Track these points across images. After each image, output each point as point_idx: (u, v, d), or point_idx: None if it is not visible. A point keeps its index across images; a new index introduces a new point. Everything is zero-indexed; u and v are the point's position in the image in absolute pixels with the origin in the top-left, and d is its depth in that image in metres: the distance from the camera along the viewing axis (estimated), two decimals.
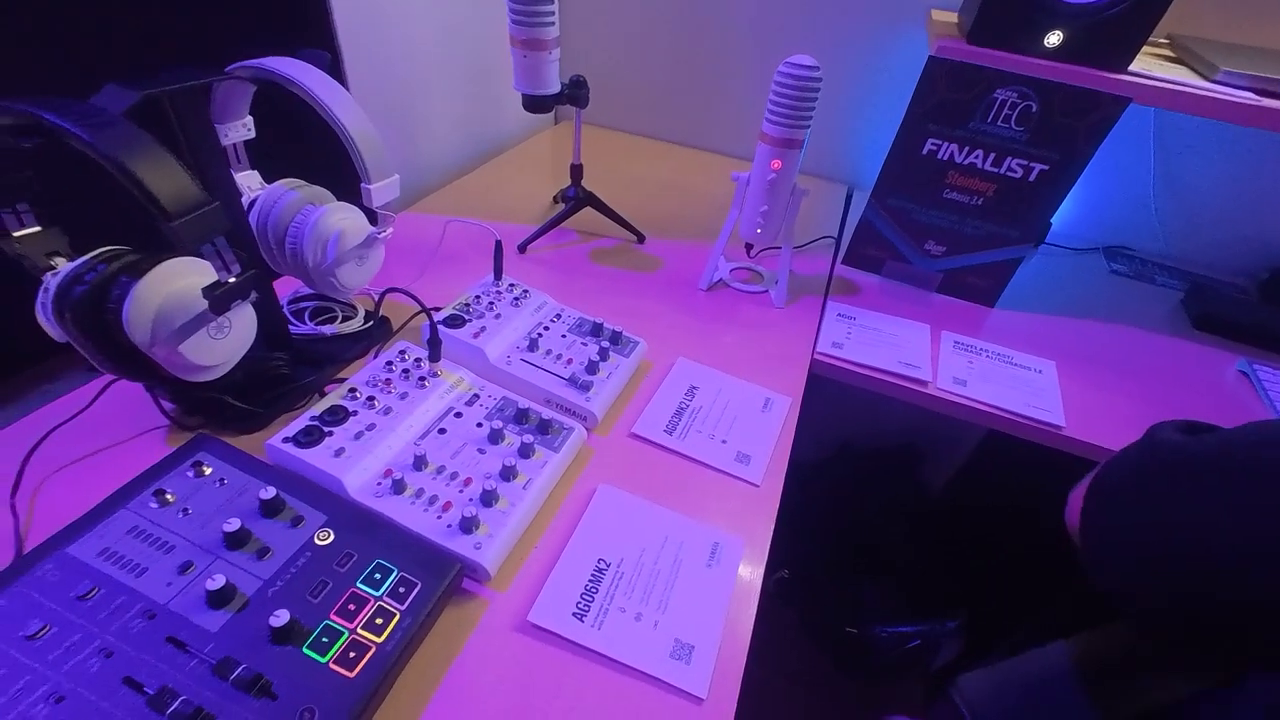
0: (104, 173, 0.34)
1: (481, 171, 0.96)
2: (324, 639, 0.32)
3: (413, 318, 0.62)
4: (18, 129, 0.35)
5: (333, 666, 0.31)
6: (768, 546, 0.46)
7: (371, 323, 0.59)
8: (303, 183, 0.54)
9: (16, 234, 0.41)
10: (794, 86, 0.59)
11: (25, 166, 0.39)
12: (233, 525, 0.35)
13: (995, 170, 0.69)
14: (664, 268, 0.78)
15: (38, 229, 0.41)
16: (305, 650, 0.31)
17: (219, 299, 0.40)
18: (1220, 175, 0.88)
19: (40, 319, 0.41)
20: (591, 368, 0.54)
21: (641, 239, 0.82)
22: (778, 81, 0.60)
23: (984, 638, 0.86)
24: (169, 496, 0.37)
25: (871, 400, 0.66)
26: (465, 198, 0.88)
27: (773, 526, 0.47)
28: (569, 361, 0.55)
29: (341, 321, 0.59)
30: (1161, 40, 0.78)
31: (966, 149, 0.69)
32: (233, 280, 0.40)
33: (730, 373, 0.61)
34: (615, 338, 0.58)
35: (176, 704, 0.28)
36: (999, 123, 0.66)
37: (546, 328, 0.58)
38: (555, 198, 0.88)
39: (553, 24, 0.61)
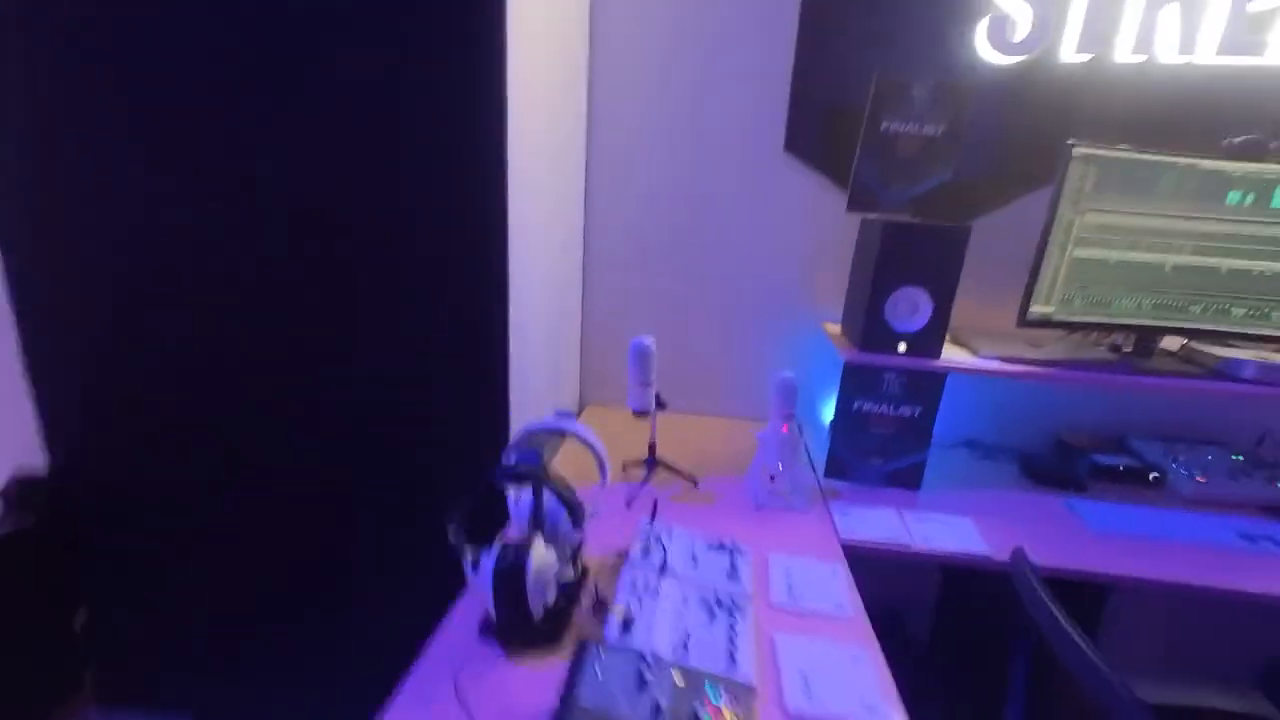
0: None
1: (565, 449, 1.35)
2: None
3: (610, 559, 0.93)
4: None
5: None
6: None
7: (581, 570, 0.90)
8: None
9: (452, 538, 0.72)
10: (784, 388, 1.09)
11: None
12: (635, 680, 0.64)
13: (895, 413, 1.22)
14: (718, 500, 1.17)
15: (457, 533, 0.73)
16: None
17: (566, 563, 0.73)
18: (1009, 396, 1.50)
19: (470, 578, 0.70)
20: (733, 567, 0.89)
21: (695, 483, 1.22)
22: (775, 387, 1.10)
23: None
24: (598, 673, 0.65)
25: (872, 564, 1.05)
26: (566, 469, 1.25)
27: (877, 649, 0.81)
28: (718, 566, 0.89)
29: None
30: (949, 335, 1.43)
31: (879, 403, 1.22)
32: (569, 551, 0.74)
33: (799, 555, 0.98)
34: (733, 547, 0.94)
35: None
36: (890, 388, 1.21)
37: (692, 547, 0.93)
38: (625, 465, 1.28)
39: (654, 374, 1.09)
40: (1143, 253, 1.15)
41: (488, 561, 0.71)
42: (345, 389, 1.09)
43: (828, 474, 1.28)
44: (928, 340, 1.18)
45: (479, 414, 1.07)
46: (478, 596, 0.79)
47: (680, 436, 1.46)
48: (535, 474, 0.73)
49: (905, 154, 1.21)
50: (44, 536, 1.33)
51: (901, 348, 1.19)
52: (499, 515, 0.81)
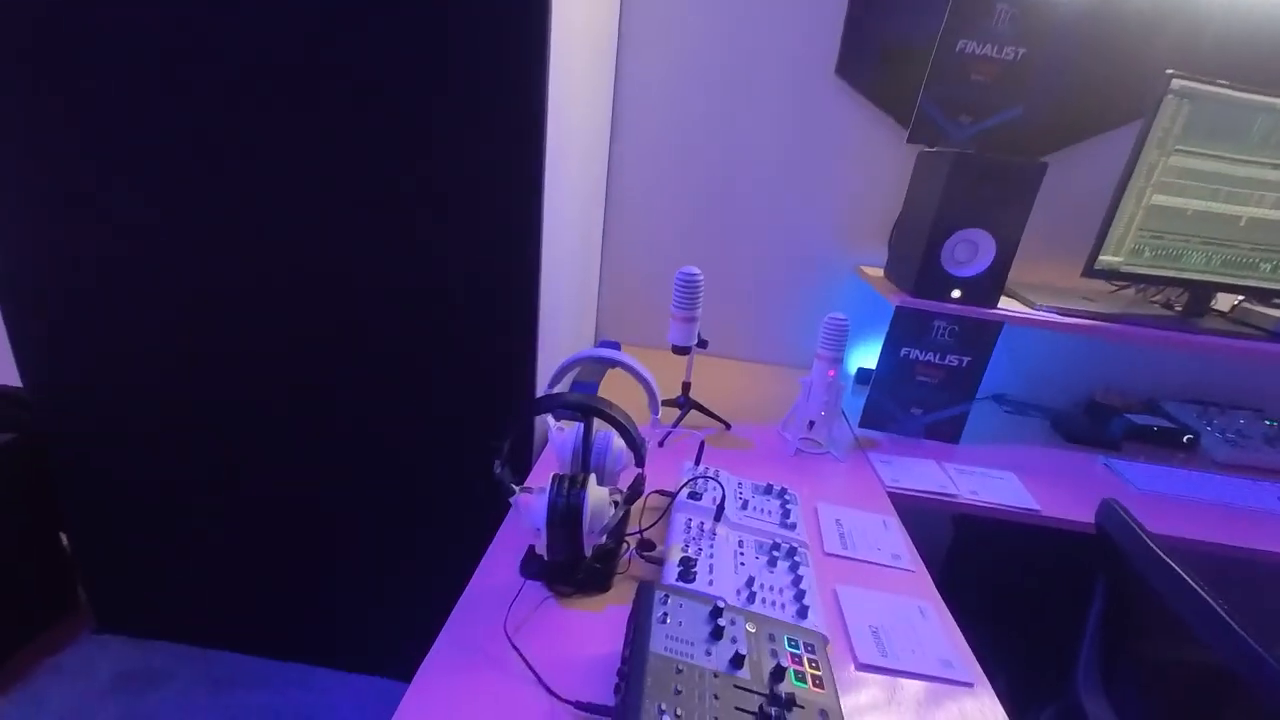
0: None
1: (606, 382, 1.28)
2: (798, 680, 0.56)
3: (647, 497, 0.87)
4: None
5: (812, 689, 0.55)
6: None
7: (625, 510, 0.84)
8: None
9: (498, 471, 0.65)
10: (835, 329, 1.02)
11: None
12: (709, 626, 0.58)
13: (942, 362, 1.16)
14: (755, 446, 1.12)
15: (503, 469, 0.66)
16: (794, 682, 0.55)
17: (621, 505, 0.67)
18: (1044, 352, 1.46)
19: (522, 517, 0.64)
20: (786, 513, 0.84)
21: (728, 426, 1.16)
22: (825, 328, 1.03)
23: None
24: (666, 617, 0.59)
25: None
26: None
27: (942, 603, 0.77)
28: (770, 512, 0.84)
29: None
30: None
31: (926, 351, 1.16)
32: (622, 491, 0.67)
33: (848, 506, 0.93)
34: (783, 492, 0.89)
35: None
36: (939, 336, 1.15)
37: (740, 492, 0.88)
38: (663, 401, 1.21)
39: (700, 306, 1.00)
40: (1222, 203, 1.08)
41: (539, 499, 0.64)
42: (379, 313, 0.99)
43: (864, 424, 1.23)
44: (986, 288, 1.11)
45: (510, 348, 0.99)
46: (523, 535, 0.73)
47: (709, 379, 1.39)
48: (595, 406, 0.65)
49: (978, 80, 1.11)
50: (26, 450, 1.24)
51: (956, 294, 1.12)
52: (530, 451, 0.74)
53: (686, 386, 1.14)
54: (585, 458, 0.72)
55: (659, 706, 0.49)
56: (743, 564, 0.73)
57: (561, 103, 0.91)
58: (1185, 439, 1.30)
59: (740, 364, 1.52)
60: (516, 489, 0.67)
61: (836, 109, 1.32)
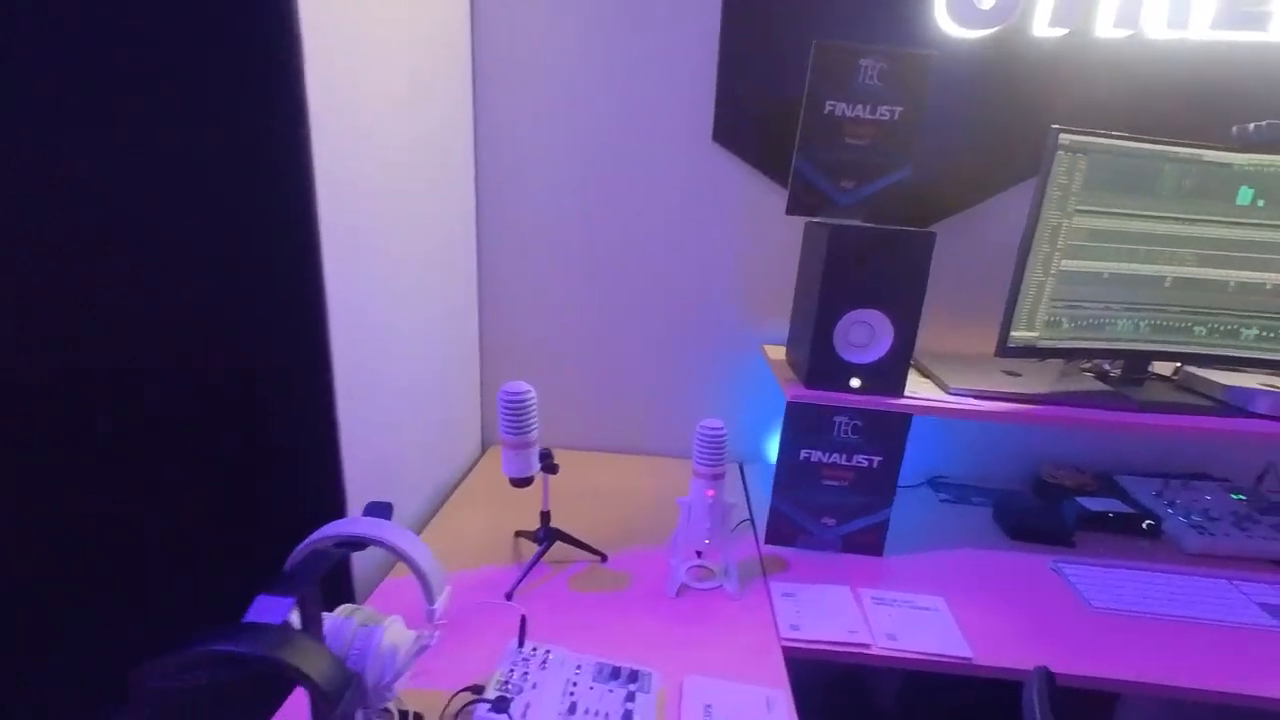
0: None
1: (443, 515, 1.08)
2: None
3: (450, 702, 0.66)
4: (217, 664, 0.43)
5: None
6: None
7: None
8: (355, 606, 0.63)
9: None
10: (711, 441, 0.85)
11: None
12: None
13: (849, 463, 0.98)
14: (633, 581, 0.91)
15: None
16: None
17: None
18: (983, 426, 1.29)
19: None
20: (627, 716, 0.63)
21: (604, 558, 0.96)
22: (699, 440, 0.85)
23: None
24: None
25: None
26: (437, 549, 0.97)
27: None
28: (608, 715, 0.64)
29: None
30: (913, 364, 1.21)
31: (828, 453, 0.98)
32: None
33: (727, 677, 0.73)
34: (633, 676, 0.69)
35: None
36: (842, 433, 0.97)
37: (574, 684, 0.67)
38: (518, 534, 1.01)
39: (535, 429, 0.82)
40: (1140, 264, 0.95)
41: None
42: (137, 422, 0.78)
43: (769, 540, 1.04)
44: (889, 373, 0.95)
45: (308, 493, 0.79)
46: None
47: (595, 483, 1.20)
48: (258, 652, 0.45)
49: (855, 143, 0.98)
50: None
51: (855, 383, 0.96)
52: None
53: (545, 516, 0.94)
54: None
55: None
56: None
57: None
58: (1145, 524, 1.12)
59: (639, 459, 1.33)
60: None
61: (718, 174, 1.20)
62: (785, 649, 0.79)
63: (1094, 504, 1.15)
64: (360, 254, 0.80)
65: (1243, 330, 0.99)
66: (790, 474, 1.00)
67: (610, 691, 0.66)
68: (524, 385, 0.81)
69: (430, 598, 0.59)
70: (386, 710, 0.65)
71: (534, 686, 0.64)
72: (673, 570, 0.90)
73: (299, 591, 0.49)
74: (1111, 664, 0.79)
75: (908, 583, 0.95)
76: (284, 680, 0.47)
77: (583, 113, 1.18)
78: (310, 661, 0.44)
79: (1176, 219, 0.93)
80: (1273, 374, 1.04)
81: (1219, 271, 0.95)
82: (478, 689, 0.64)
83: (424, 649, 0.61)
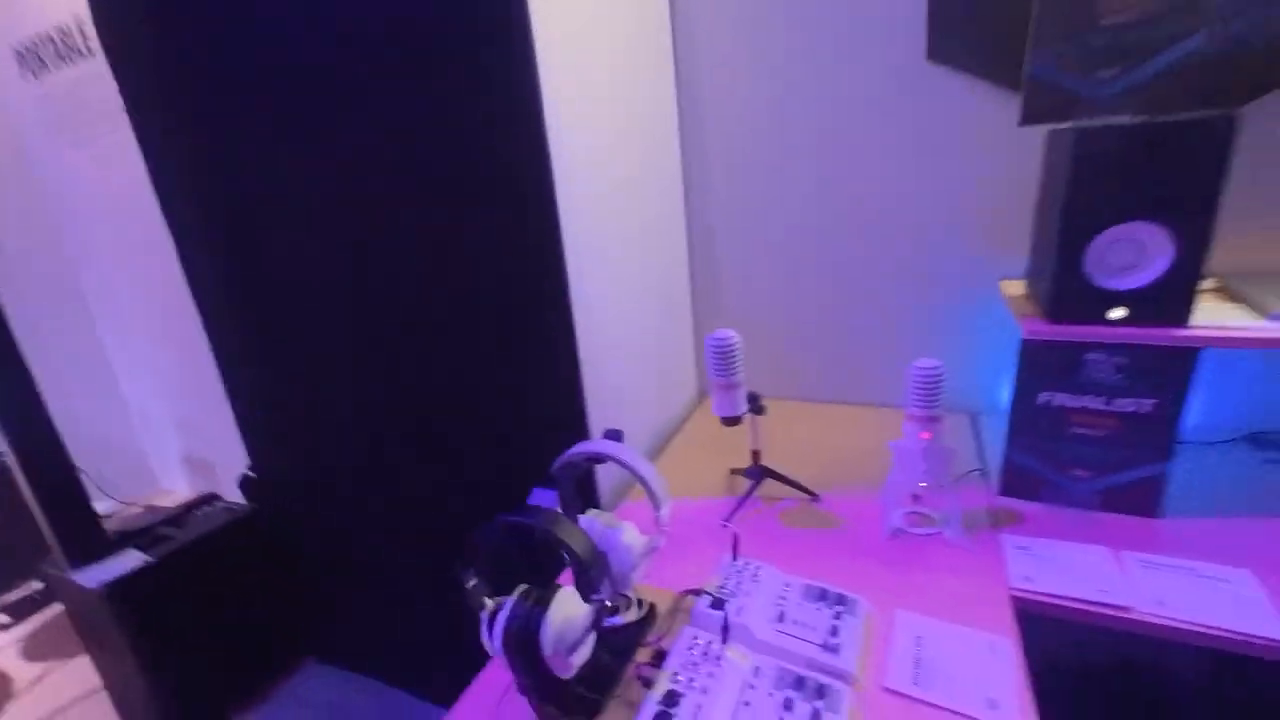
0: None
1: (665, 454, 1.22)
2: None
3: (678, 601, 0.79)
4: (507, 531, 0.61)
5: None
6: None
7: (646, 610, 0.77)
8: (600, 511, 0.78)
9: (469, 585, 0.64)
10: (925, 380, 0.81)
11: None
12: None
13: (1111, 409, 0.84)
14: (845, 523, 0.94)
15: (476, 582, 0.65)
16: None
17: (598, 618, 0.60)
18: None
19: (484, 638, 0.62)
20: (834, 631, 0.68)
21: (816, 497, 1.00)
22: (913, 380, 0.82)
23: None
24: None
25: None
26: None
27: None
28: (814, 628, 0.69)
29: (625, 611, 0.77)
30: (1212, 284, 0.95)
31: (1078, 396, 0.85)
32: (607, 604, 0.61)
33: (943, 618, 0.72)
34: (840, 599, 0.73)
35: None
36: (1099, 373, 0.84)
37: (784, 598, 0.74)
38: (733, 471, 1.10)
39: (740, 372, 0.89)
40: None
41: (499, 620, 0.61)
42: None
43: (1004, 491, 0.95)
44: (1166, 299, 0.79)
45: (556, 425, 1.00)
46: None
47: (806, 431, 1.22)
48: (547, 530, 0.60)
49: (1114, 21, 0.80)
50: (269, 520, 1.62)
51: (1117, 313, 0.81)
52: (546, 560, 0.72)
53: (756, 455, 1.01)
54: (549, 574, 0.67)
55: None
56: (747, 705, 0.60)
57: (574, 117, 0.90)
58: None
59: (853, 409, 1.30)
60: (488, 601, 0.65)
61: (937, 96, 1.09)
62: (1015, 598, 0.74)
63: None
64: (588, 235, 0.95)
65: None
66: (1026, 419, 0.90)
67: (816, 609, 0.71)
68: (729, 332, 0.88)
69: (657, 506, 0.71)
70: (625, 596, 0.80)
71: (747, 594, 0.73)
72: (885, 512, 0.90)
73: (560, 488, 0.65)
74: None
75: (1195, 550, 0.79)
76: (553, 556, 0.63)
77: (786, 47, 1.17)
78: (574, 537, 0.59)
79: None
80: None
81: None
82: (698, 591, 0.75)
83: (654, 550, 0.74)
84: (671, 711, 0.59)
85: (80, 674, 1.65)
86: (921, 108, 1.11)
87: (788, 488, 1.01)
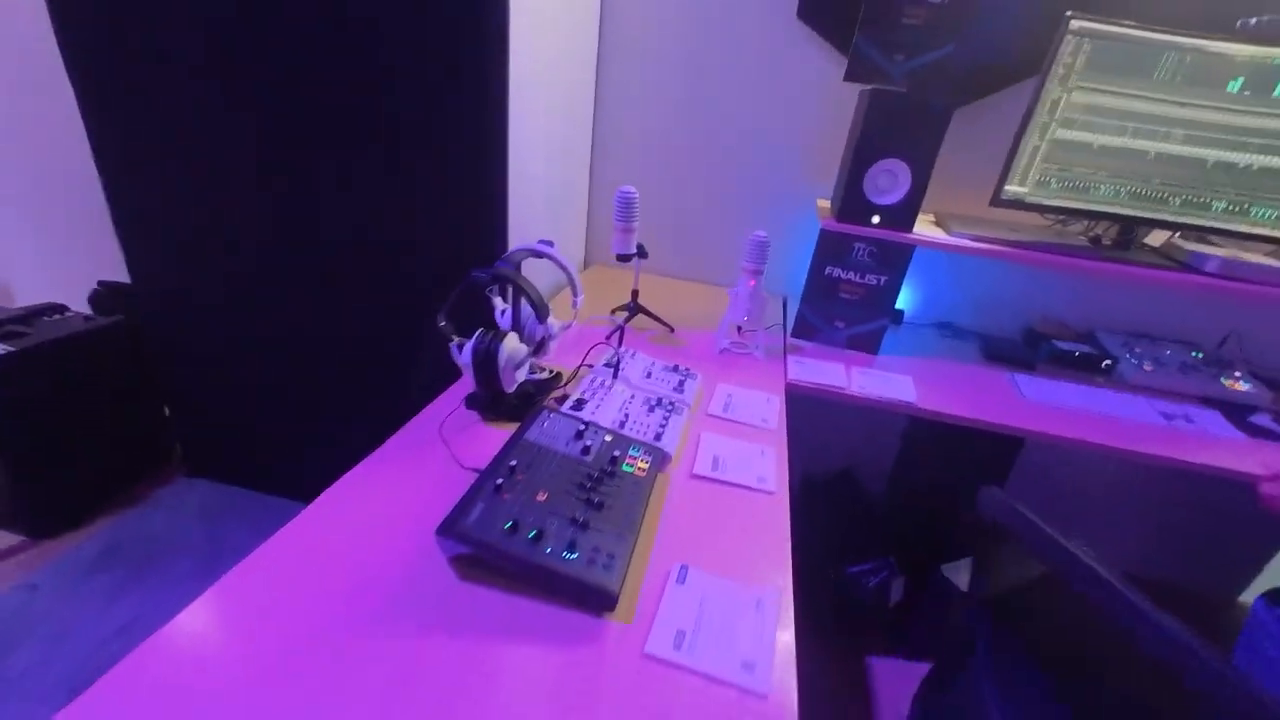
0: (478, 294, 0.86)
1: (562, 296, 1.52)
2: (627, 466, 0.79)
3: (576, 370, 1.11)
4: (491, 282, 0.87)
5: (635, 473, 0.78)
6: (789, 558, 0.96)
7: (554, 374, 1.08)
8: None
9: (441, 324, 0.90)
10: (757, 245, 1.20)
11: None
12: (574, 431, 0.82)
13: (862, 280, 1.32)
14: (689, 345, 1.32)
15: (445, 323, 0.91)
16: (623, 468, 0.78)
17: (534, 351, 0.90)
18: (988, 281, 1.57)
19: (456, 358, 0.89)
20: (680, 386, 1.06)
21: (672, 330, 1.37)
22: (749, 245, 1.21)
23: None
24: (545, 425, 0.83)
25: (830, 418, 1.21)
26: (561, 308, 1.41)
27: (788, 529, 0.98)
28: (669, 383, 1.06)
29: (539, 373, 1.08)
30: (930, 216, 1.48)
31: (848, 270, 1.31)
32: (534, 345, 0.91)
33: (747, 388, 1.13)
34: (686, 371, 1.11)
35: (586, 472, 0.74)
36: (860, 257, 1.30)
37: (650, 369, 1.10)
38: (614, 310, 1.43)
39: (636, 220, 1.21)
40: (1129, 139, 1.16)
41: (470, 345, 0.88)
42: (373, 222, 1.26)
43: (794, 334, 1.41)
44: (902, 214, 1.25)
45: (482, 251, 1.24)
46: (464, 376, 0.98)
47: (669, 296, 1.59)
48: (509, 275, 0.88)
49: (910, 22, 1.21)
50: (130, 330, 1.61)
51: (875, 219, 1.26)
52: (484, 318, 0.98)
53: (635, 293, 1.35)
54: (515, 316, 0.95)
55: (511, 463, 0.73)
56: (628, 405, 0.96)
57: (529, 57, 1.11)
58: (1104, 364, 1.41)
59: (705, 287, 1.71)
60: (454, 338, 0.91)
61: (798, 49, 1.45)
62: (788, 385, 1.19)
63: (1065, 345, 1.44)
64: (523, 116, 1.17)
65: (1214, 204, 1.20)
66: (817, 286, 1.35)
67: (672, 373, 1.09)
68: (631, 188, 1.18)
69: (576, 293, 1.01)
70: (541, 368, 1.10)
71: (628, 362, 1.08)
72: (718, 337, 1.30)
73: (511, 265, 0.92)
74: (1022, 419, 1.14)
75: (888, 368, 1.31)
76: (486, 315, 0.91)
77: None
78: (528, 285, 0.87)
79: (1169, 101, 1.13)
80: (1246, 246, 1.25)
81: (1200, 150, 1.16)
82: (591, 366, 1.08)
83: (566, 328, 1.05)
84: (581, 406, 0.92)
85: None
86: (779, 56, 1.46)
87: (653, 323, 1.37)
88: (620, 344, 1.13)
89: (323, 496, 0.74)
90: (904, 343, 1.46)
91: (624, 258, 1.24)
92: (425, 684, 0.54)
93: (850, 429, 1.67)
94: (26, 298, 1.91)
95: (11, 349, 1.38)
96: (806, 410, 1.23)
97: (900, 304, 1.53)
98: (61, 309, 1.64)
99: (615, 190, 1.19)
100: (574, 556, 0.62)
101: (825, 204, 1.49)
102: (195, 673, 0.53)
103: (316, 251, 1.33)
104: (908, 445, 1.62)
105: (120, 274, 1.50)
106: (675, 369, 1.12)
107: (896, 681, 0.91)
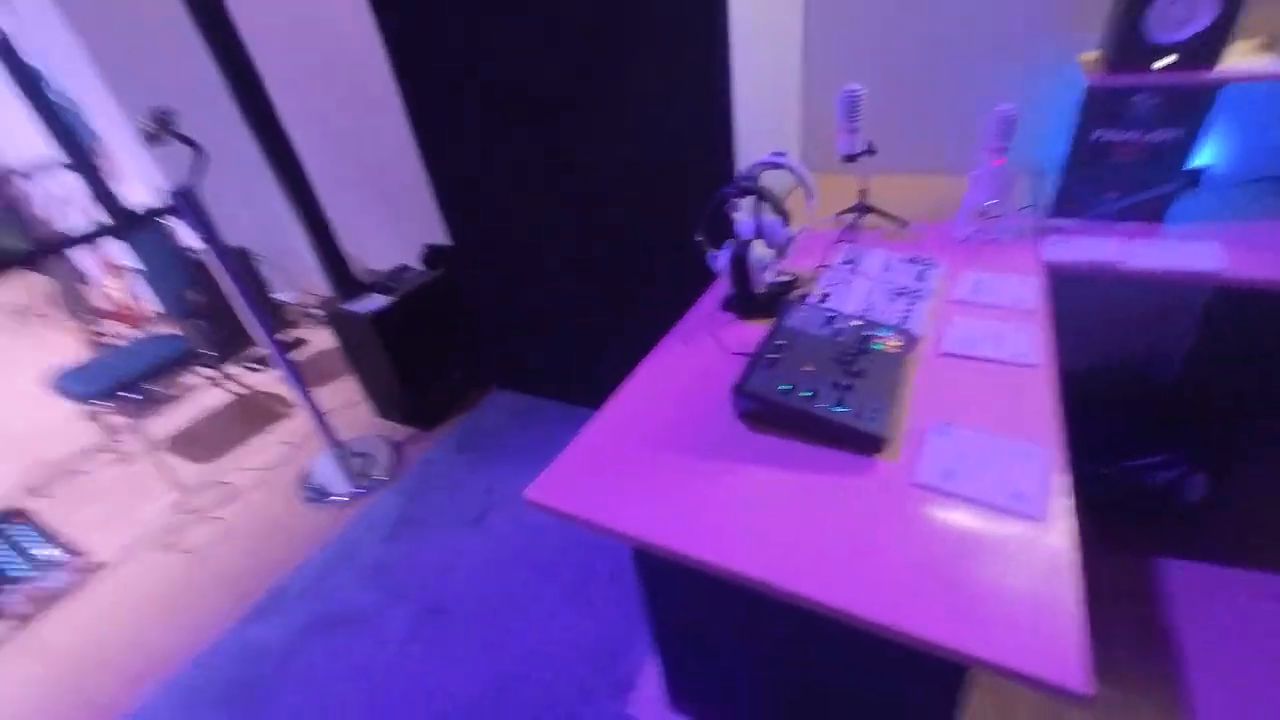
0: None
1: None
2: (878, 345, 0.88)
3: (816, 270, 1.20)
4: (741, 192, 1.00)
5: (887, 350, 0.86)
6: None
7: (794, 278, 1.19)
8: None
9: (698, 239, 1.06)
10: (1002, 120, 1.12)
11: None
12: (825, 320, 0.93)
13: (1144, 140, 1.14)
14: (925, 238, 1.30)
15: (702, 237, 1.07)
16: (874, 346, 0.87)
17: (779, 254, 1.02)
18: None
19: (712, 265, 1.05)
20: (921, 275, 1.09)
21: (906, 224, 1.36)
22: (995, 120, 1.13)
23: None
24: (799, 315, 0.96)
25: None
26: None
27: (1056, 397, 0.96)
28: (909, 275, 1.10)
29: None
30: (1255, 40, 1.18)
31: (1125, 129, 1.15)
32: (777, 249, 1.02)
33: (997, 273, 1.10)
34: (926, 261, 1.13)
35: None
36: (1140, 113, 1.13)
37: (888, 263, 1.14)
38: (838, 214, 1.46)
39: (861, 119, 1.22)
40: None
41: (724, 253, 1.04)
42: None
43: (1055, 213, 1.29)
44: (1206, 48, 1.05)
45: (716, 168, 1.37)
46: (719, 283, 1.15)
47: (896, 193, 1.55)
48: (752, 186, 1.00)
49: None
50: (452, 282, 2.12)
51: (1168, 60, 1.08)
52: (725, 231, 1.13)
53: (863, 193, 1.36)
54: (758, 224, 1.08)
55: (779, 343, 0.88)
56: (870, 295, 1.03)
57: None
58: None
59: (933, 178, 1.61)
60: (711, 249, 1.07)
61: None
62: (1048, 266, 1.12)
63: None
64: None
65: None
66: (1081, 156, 1.21)
67: (911, 266, 1.12)
68: (856, 85, 1.19)
69: (810, 196, 1.09)
70: (781, 272, 1.22)
71: (867, 257, 1.13)
72: (957, 225, 1.26)
73: (754, 176, 1.04)
74: None
75: (1181, 238, 1.14)
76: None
77: None
78: (772, 192, 0.99)
79: None
80: None
81: None
82: (827, 265, 1.16)
83: (804, 229, 1.14)
84: (826, 300, 1.02)
85: (331, 393, 2.31)
86: None
87: (883, 221, 1.37)
88: (854, 240, 1.19)
89: (628, 381, 0.97)
90: (1203, 208, 1.24)
91: (850, 158, 1.27)
92: (734, 498, 0.73)
93: (1127, 314, 1.48)
94: (375, 263, 2.61)
95: (394, 299, 1.94)
96: (1070, 297, 1.15)
97: (1197, 163, 1.28)
98: (408, 269, 2.23)
99: (841, 90, 1.20)
100: (845, 409, 0.75)
101: (1090, 57, 1.29)
102: (602, 453, 0.80)
103: (581, 185, 1.62)
104: (1212, 327, 1.38)
105: (434, 238, 2.00)
106: (914, 260, 1.14)
107: (1199, 586, 0.86)
